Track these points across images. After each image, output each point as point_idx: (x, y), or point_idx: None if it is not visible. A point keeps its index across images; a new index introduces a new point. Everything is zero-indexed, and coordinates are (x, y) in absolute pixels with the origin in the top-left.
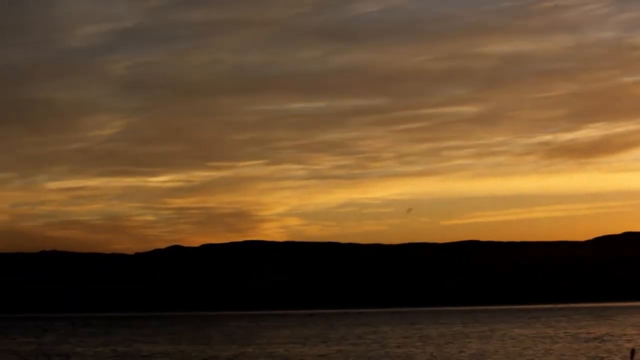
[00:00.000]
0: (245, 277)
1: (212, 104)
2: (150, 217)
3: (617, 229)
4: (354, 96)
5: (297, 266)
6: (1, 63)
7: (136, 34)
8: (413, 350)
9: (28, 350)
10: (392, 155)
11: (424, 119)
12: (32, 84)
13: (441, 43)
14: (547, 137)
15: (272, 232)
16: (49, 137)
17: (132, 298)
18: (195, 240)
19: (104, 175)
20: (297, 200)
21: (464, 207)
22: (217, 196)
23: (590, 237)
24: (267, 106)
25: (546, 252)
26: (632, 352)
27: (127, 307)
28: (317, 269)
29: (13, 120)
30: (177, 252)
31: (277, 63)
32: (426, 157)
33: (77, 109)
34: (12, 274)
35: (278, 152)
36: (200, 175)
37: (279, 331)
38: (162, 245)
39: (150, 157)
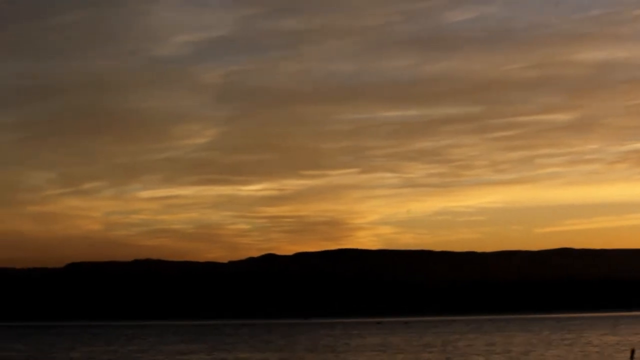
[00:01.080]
0: (338, 285)
1: (304, 112)
2: (243, 226)
3: None
4: (447, 104)
5: (391, 274)
6: (94, 72)
7: (227, 43)
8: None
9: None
10: (485, 163)
11: (517, 127)
12: (125, 94)
13: (533, 51)
14: None
15: (366, 240)
16: (141, 146)
17: (225, 306)
18: (289, 248)
19: (197, 184)
20: (390, 209)
21: (557, 214)
22: (310, 205)
23: None
24: (360, 115)
25: (638, 260)
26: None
27: (220, 314)
28: (411, 277)
29: (106, 130)
30: (270, 261)
31: (368, 71)
32: (519, 165)
33: (169, 118)
34: (106, 282)
35: (371, 161)
36: (293, 183)
37: (365, 339)
38: (256, 253)
39: (242, 165)
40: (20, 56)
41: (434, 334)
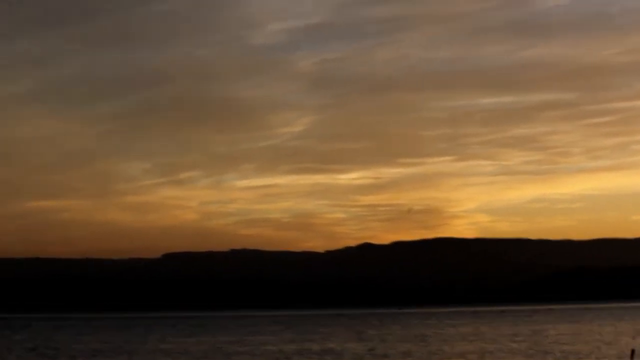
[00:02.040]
0: (435, 274)
1: (400, 99)
2: (339, 215)
3: None
4: (543, 91)
5: (486, 263)
6: (191, 61)
7: (323, 30)
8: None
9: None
10: (582, 150)
11: (613, 113)
12: (221, 83)
13: (630, 35)
14: None
15: (462, 228)
16: (237, 135)
17: (321, 296)
18: (386, 237)
19: (293, 172)
20: (486, 196)
21: None
22: (407, 193)
23: None
24: (456, 102)
25: None
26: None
27: (317, 304)
28: (506, 266)
29: (202, 119)
30: (367, 250)
31: (464, 58)
32: (615, 151)
33: (265, 107)
34: (202, 272)
35: (467, 148)
36: (389, 172)
37: (457, 329)
38: (353, 242)
39: (338, 154)
40: (119, 46)
41: (527, 322)
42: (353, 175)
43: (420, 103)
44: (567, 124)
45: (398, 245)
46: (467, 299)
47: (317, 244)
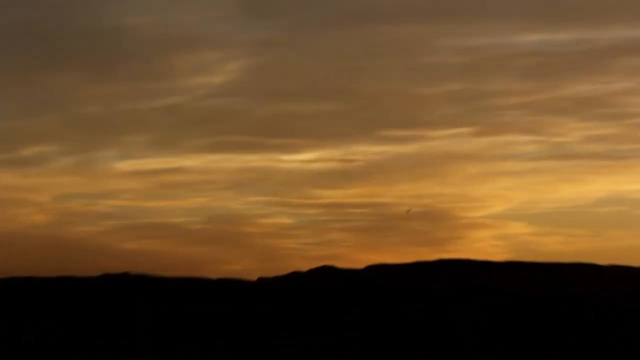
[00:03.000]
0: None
1: (386, 35)
2: (285, 220)
3: None
4: (623, 22)
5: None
6: None
7: None
8: None
9: None
10: None
11: None
12: (91, 3)
13: None
14: None
15: (486, 245)
16: (117, 87)
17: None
18: (360, 258)
19: (210, 150)
20: (526, 194)
21: None
22: (396, 185)
23: None
24: (478, 39)
25: None
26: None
27: None
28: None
29: (58, 59)
30: (329, 277)
31: None
32: None
33: (166, 43)
34: (58, 308)
35: (495, 115)
36: (367, 151)
37: None
38: (305, 265)
39: (285, 120)
40: None
41: None
42: (308, 155)
43: (419, 40)
44: None
45: (379, 272)
46: None
47: (248, 267)
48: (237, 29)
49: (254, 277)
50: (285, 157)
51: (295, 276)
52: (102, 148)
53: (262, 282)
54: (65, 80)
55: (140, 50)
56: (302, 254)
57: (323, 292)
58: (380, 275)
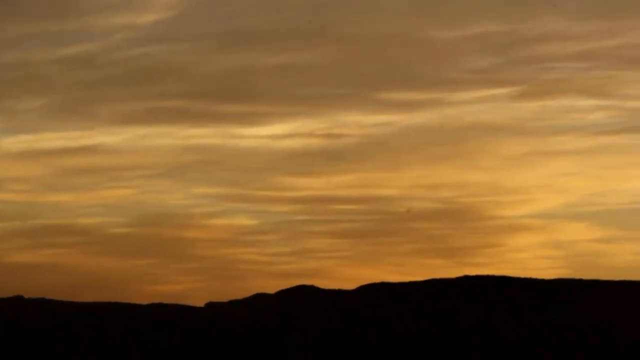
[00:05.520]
0: None
1: None
2: (245, 221)
3: None
4: None
5: (595, 333)
6: None
7: None
8: None
9: None
10: None
11: None
12: None
13: None
14: None
15: (530, 256)
16: (11, 28)
17: None
18: (353, 274)
19: (140, 121)
20: (590, 184)
21: None
22: (402, 173)
23: None
24: None
25: None
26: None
27: None
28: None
29: None
30: (309, 302)
31: None
32: None
33: None
34: None
35: (543, 71)
36: (362, 122)
37: None
38: (275, 285)
39: (245, 77)
40: None
41: None
42: (277, 128)
43: None
44: None
45: (375, 294)
46: None
47: (192, 287)
48: None
49: (200, 302)
50: (245, 131)
51: (261, 300)
52: None
53: (212, 308)
54: None
55: None
56: (270, 269)
57: (300, 322)
58: (381, 296)
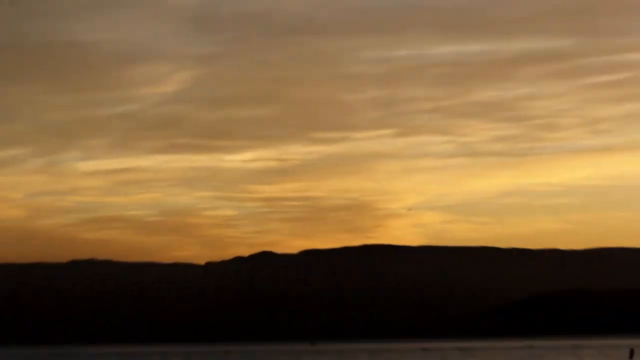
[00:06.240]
0: (363, 296)
1: (317, 48)
2: (228, 212)
3: None
4: (524, 36)
5: (438, 282)
6: None
7: None
8: None
9: None
10: (578, 122)
11: (626, 69)
12: (57, 20)
13: None
14: None
15: (403, 232)
16: (80, 96)
17: (201, 325)
18: (294, 244)
19: (161, 151)
20: (438, 188)
21: None
22: (325, 181)
23: None
24: (397, 51)
25: None
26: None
27: (194, 337)
28: (466, 286)
29: (34, 72)
30: (267, 261)
31: None
32: (628, 123)
33: (121, 57)
34: (30, 291)
35: (412, 119)
36: (300, 151)
37: None
38: (246, 251)
39: (227, 125)
40: None
41: None
42: (247, 155)
43: (345, 53)
44: (557, 84)
45: (310, 256)
46: (409, 332)
47: (196, 254)
48: (185, 43)
49: (202, 261)
50: (228, 157)
51: (238, 261)
52: (67, 151)
53: (210, 266)
54: (32, 90)
55: (99, 63)
56: (244, 242)
57: (261, 274)
58: (312, 258)
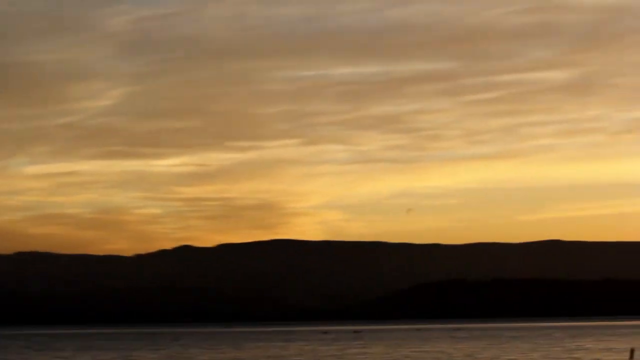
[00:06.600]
0: (272, 284)
1: (233, 68)
2: (154, 210)
3: None
4: (414, 59)
5: (336, 272)
6: None
7: None
8: None
9: None
10: (459, 134)
11: (499, 88)
12: (9, 43)
13: None
14: None
15: (307, 228)
16: (26, 110)
17: (129, 310)
18: (211, 238)
19: (98, 157)
20: (337, 190)
21: (547, 198)
22: (239, 184)
23: None
24: (303, 72)
25: None
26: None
27: (123, 320)
28: (361, 276)
29: None
30: (187, 254)
31: (317, 18)
32: (501, 135)
33: (64, 75)
34: None
35: (315, 130)
36: (217, 158)
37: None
38: (170, 245)
39: (155, 135)
40: None
41: (385, 344)
42: (172, 161)
43: (258, 73)
44: (441, 100)
45: (225, 249)
46: (311, 315)
47: (126, 246)
48: (120, 63)
49: (130, 254)
50: (156, 162)
51: (163, 253)
52: (14, 156)
53: (137, 257)
54: None
55: (46, 80)
56: (168, 236)
57: (183, 265)
58: (227, 250)
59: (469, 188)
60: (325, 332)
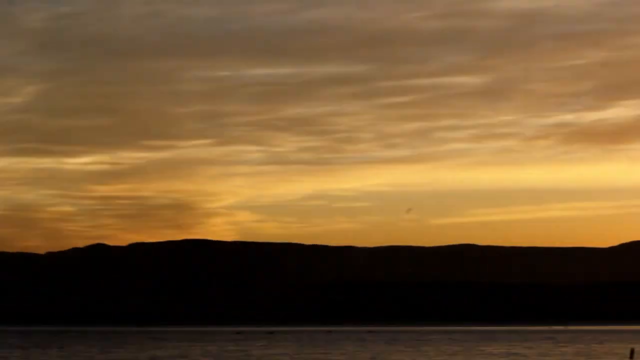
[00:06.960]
0: (183, 285)
1: (148, 67)
2: (67, 208)
3: None
4: (327, 61)
5: (249, 273)
6: None
7: None
8: None
9: None
10: (372, 137)
11: (414, 92)
12: None
13: None
14: (567, 117)
15: (220, 229)
16: None
17: (40, 308)
18: (124, 237)
19: (10, 154)
20: (251, 191)
21: (460, 202)
22: (152, 183)
23: (616, 242)
24: (217, 72)
25: (561, 261)
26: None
27: (33, 319)
28: (274, 277)
29: None
30: (100, 252)
31: (230, 18)
32: (415, 139)
33: None
34: None
35: (229, 130)
36: (131, 156)
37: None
38: (82, 243)
39: (68, 132)
40: None
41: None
42: (85, 159)
43: (172, 72)
44: (356, 103)
45: (138, 248)
46: (226, 317)
47: (37, 244)
48: (33, 61)
49: (42, 251)
50: (69, 160)
51: (75, 251)
52: None
53: (50, 255)
54: None
55: None
56: (81, 234)
57: (95, 263)
58: (139, 249)
59: (382, 191)
60: (239, 333)
